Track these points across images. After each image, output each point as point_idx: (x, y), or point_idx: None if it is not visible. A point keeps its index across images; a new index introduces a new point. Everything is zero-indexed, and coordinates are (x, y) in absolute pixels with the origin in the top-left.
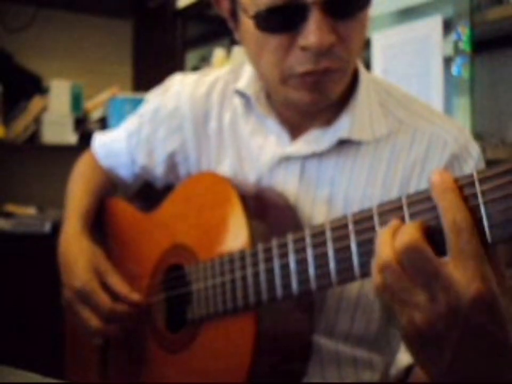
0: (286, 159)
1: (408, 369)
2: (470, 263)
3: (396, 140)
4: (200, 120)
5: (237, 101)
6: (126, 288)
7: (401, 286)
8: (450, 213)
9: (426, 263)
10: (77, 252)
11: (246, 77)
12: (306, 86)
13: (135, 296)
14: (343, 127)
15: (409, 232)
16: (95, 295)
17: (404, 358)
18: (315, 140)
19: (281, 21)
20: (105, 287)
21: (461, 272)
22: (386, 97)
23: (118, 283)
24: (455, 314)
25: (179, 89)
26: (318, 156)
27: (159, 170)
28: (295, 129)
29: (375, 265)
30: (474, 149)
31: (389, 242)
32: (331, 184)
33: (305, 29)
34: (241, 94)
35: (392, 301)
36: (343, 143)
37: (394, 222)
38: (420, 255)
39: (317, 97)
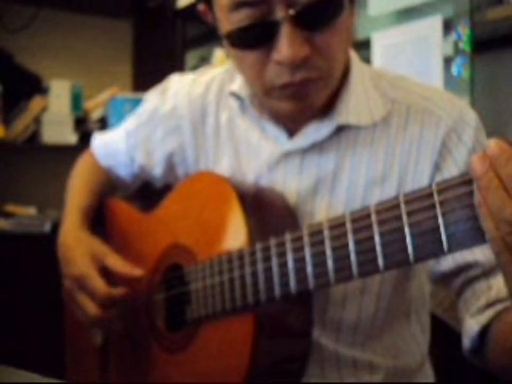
0: (286, 156)
1: (483, 332)
2: None
3: (391, 120)
4: (198, 120)
5: (233, 102)
6: (127, 266)
7: None
8: None
9: None
10: (74, 242)
11: (240, 79)
12: (287, 97)
13: (137, 272)
14: (340, 113)
15: None
16: (91, 280)
17: (472, 323)
18: (313, 131)
19: (253, 38)
20: (105, 272)
21: None
22: (380, 79)
23: (117, 263)
24: None
25: (176, 89)
26: (318, 147)
27: (157, 170)
28: (291, 128)
29: (495, 223)
30: (471, 116)
31: (506, 195)
32: (333, 174)
33: (277, 44)
34: (236, 96)
35: None
36: (341, 131)
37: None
38: None
39: (301, 105)
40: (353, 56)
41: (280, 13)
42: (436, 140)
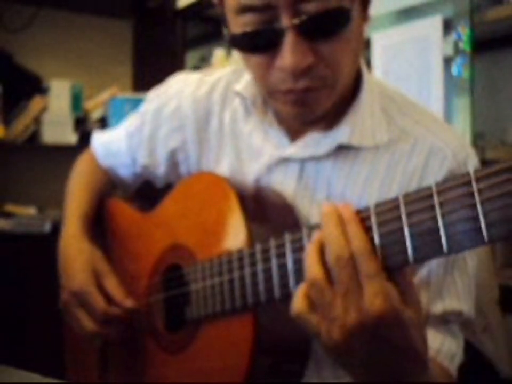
0: (285, 160)
1: None
2: (372, 282)
3: (396, 147)
4: (202, 120)
5: (237, 102)
6: (121, 293)
7: (324, 301)
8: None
9: (353, 276)
10: (75, 253)
11: (245, 80)
12: (289, 102)
13: (128, 303)
14: (343, 132)
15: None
16: (91, 296)
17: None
18: (314, 143)
19: (258, 44)
20: (103, 289)
21: (366, 289)
22: (389, 103)
23: (113, 287)
24: (363, 329)
25: (181, 88)
26: (316, 158)
27: (160, 169)
28: (294, 131)
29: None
30: (472, 164)
31: (317, 259)
32: (328, 187)
33: (281, 51)
34: (241, 96)
35: (317, 319)
36: (342, 148)
37: (317, 237)
38: (351, 268)
39: (303, 111)
40: (365, 72)
41: (285, 21)
42: (437, 176)
